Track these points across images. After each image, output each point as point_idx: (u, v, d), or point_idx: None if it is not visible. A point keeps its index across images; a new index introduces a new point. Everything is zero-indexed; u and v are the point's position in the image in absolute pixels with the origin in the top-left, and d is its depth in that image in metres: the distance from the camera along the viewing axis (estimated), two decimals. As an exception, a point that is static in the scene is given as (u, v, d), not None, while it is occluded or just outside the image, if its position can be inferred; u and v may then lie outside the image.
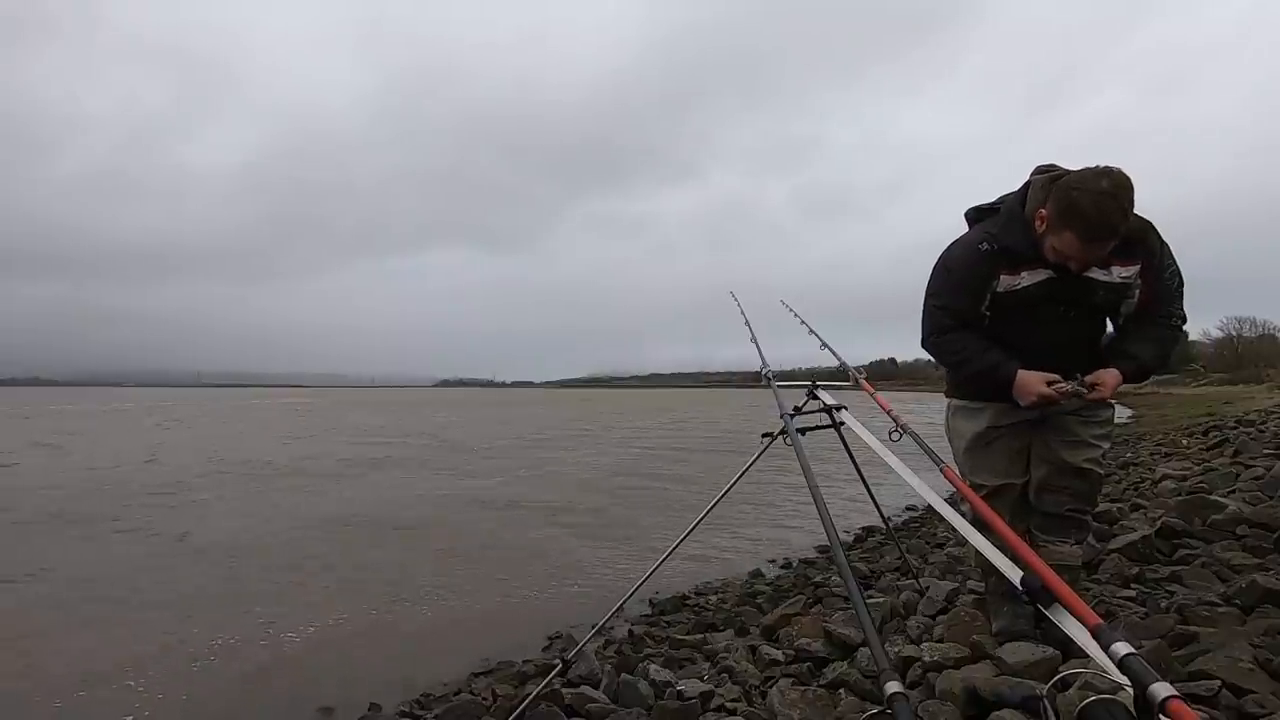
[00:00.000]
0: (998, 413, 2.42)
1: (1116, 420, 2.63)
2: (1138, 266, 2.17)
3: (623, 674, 3.25)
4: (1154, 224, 2.19)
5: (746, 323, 3.43)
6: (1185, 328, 2.33)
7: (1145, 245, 2.16)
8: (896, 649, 2.62)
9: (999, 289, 2.26)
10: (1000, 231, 2.24)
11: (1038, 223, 2.13)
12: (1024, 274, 2.22)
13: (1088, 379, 2.16)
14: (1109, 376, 2.17)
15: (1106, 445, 2.42)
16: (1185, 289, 2.27)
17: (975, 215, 2.41)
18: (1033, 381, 2.18)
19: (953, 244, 2.39)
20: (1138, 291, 2.22)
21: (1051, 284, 2.20)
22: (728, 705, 2.74)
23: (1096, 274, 2.16)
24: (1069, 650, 2.13)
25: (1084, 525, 2.48)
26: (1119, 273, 2.17)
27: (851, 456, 2.85)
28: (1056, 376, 2.17)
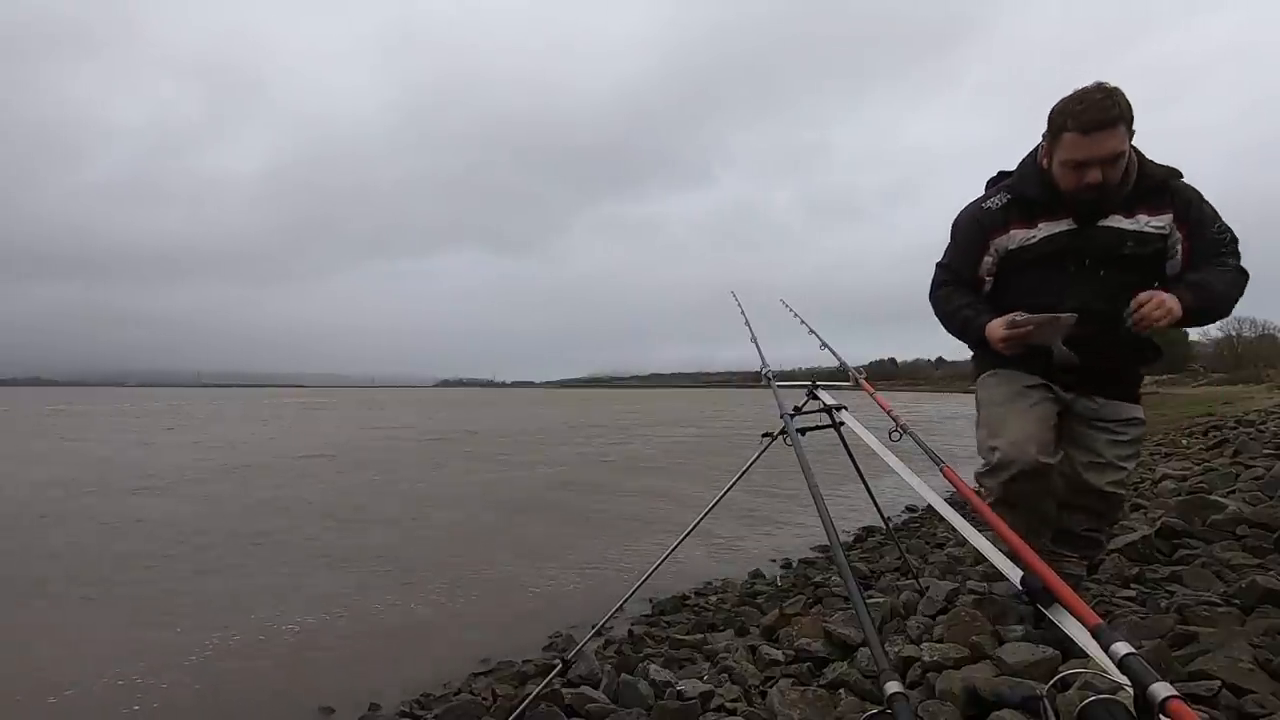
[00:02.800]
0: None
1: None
2: (1168, 216, 2.03)
3: (623, 674, 3.25)
4: (1182, 173, 2.06)
5: (746, 323, 3.43)
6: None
7: (1175, 194, 2.03)
8: (896, 649, 2.62)
9: (1012, 245, 2.15)
10: (1016, 181, 2.16)
11: (1043, 160, 2.05)
12: (1041, 225, 2.10)
13: (1133, 306, 1.94)
14: (1164, 297, 1.93)
15: (1132, 466, 2.29)
16: None
17: (997, 179, 2.35)
18: (995, 327, 2.07)
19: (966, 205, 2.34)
20: (1179, 249, 2.05)
21: (1072, 236, 2.07)
22: (728, 705, 2.74)
23: (1121, 221, 2.03)
24: (1069, 650, 2.13)
25: (1099, 544, 2.40)
26: (1146, 221, 2.02)
27: (851, 456, 2.85)
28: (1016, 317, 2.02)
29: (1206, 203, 2.07)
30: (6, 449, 18.58)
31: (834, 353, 3.07)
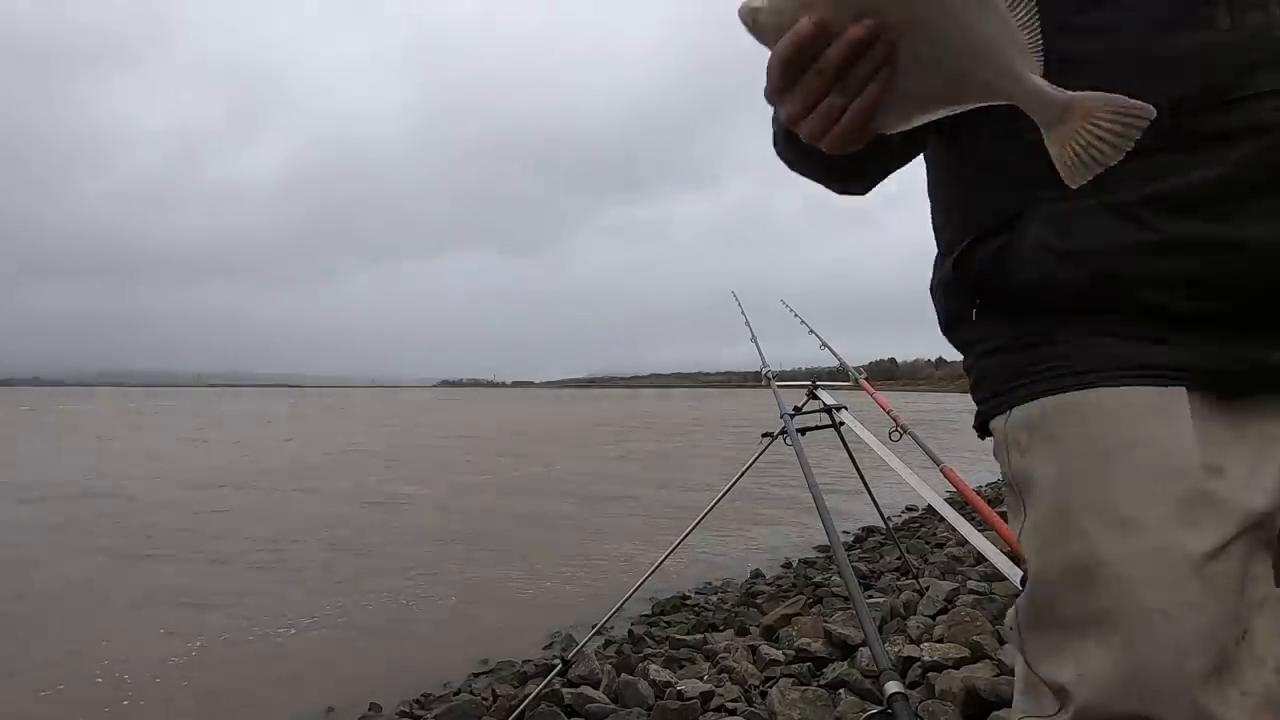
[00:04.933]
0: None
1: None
2: None
3: (623, 674, 3.25)
4: None
5: (747, 323, 3.44)
6: None
7: None
8: (896, 649, 2.63)
9: None
10: None
11: None
12: None
13: None
14: None
15: None
16: None
17: None
18: None
19: None
20: None
21: None
22: (728, 705, 2.74)
23: None
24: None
25: None
26: None
27: (851, 456, 2.85)
28: None
29: None
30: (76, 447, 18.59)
31: (834, 353, 3.08)
